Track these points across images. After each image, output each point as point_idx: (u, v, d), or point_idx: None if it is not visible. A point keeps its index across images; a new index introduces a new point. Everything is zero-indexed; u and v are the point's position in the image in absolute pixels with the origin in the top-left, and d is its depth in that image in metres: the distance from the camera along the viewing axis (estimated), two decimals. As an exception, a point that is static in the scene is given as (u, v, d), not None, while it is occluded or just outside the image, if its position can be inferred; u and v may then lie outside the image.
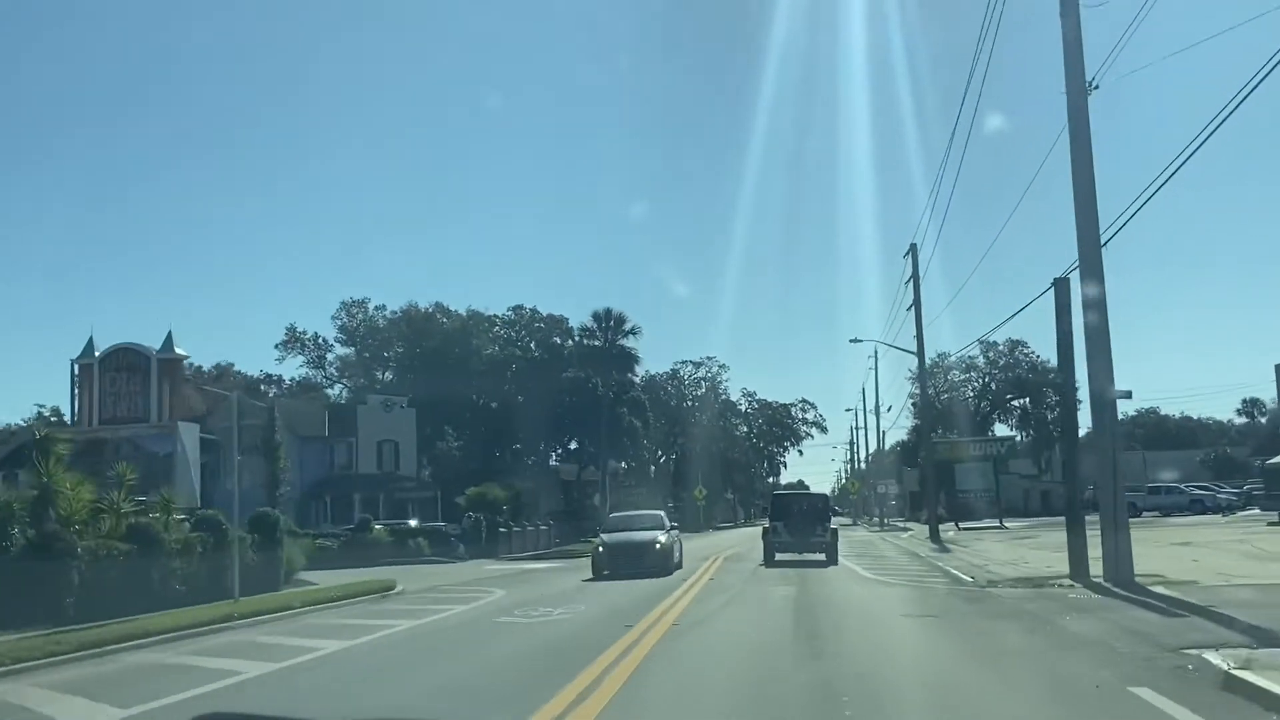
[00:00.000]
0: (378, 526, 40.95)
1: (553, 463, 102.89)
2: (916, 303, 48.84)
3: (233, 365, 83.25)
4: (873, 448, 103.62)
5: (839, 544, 31.26)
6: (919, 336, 48.86)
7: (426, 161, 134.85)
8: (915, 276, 48.89)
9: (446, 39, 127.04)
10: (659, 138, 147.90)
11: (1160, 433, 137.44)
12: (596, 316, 57.37)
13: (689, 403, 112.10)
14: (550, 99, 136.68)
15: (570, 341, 72.98)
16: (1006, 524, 60.99)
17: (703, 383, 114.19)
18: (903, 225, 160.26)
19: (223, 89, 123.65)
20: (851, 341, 52.80)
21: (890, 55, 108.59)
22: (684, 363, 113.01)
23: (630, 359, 57.34)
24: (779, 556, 29.65)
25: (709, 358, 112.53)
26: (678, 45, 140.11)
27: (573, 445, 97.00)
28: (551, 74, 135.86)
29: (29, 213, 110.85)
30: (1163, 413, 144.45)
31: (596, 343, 57.44)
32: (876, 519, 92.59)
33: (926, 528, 63.45)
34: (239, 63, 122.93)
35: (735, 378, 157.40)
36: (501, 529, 44.90)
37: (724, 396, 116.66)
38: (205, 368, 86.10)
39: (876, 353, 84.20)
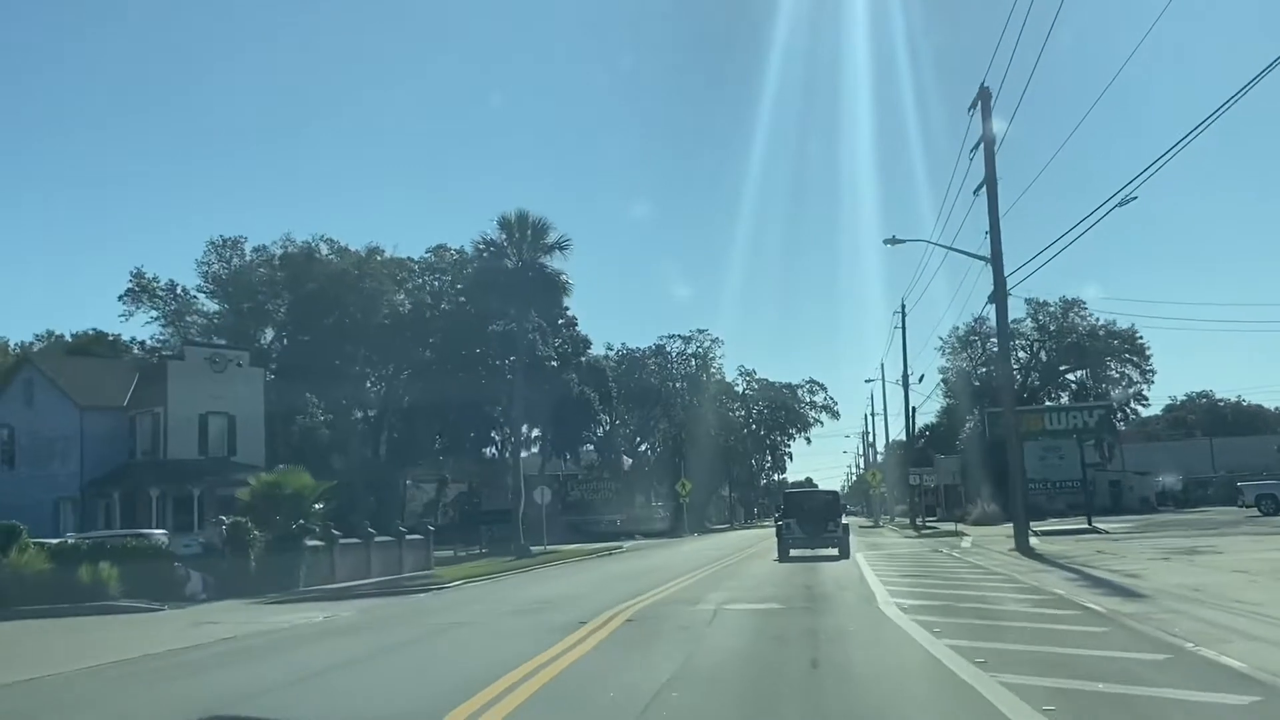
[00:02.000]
0: (57, 544, 23.06)
1: (524, 454, 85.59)
2: (990, 179, 30.88)
3: (109, 335, 65.47)
4: (894, 435, 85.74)
5: (853, 543, 32.19)
6: (994, 230, 30.85)
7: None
8: (987, 140, 31.02)
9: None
10: (657, 129, 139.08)
11: (1214, 418, 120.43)
12: (505, 224, 38.52)
13: (677, 383, 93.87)
14: (533, 59, 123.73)
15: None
16: (1098, 524, 43.08)
17: (693, 359, 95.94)
18: (907, 201, 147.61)
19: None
20: (887, 242, 34.56)
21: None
22: (671, 337, 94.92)
23: (555, 287, 38.76)
24: (793, 552, 29.51)
25: (700, 331, 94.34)
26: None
27: (534, 432, 79.80)
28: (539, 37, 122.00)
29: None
30: (1216, 397, 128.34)
31: (506, 263, 38.80)
32: (907, 518, 74.40)
33: (984, 531, 45.59)
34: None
35: (733, 356, 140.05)
36: (313, 541, 26.90)
37: (718, 376, 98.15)
38: (68, 336, 68.59)
39: (903, 309, 66.35)
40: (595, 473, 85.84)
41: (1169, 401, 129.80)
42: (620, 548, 47.57)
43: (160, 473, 39.22)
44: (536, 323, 55.83)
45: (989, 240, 31.39)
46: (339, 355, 51.38)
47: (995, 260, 30.95)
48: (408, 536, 33.16)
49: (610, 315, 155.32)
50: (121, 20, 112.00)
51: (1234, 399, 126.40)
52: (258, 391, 43.25)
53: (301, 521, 26.46)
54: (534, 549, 47.06)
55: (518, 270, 37.85)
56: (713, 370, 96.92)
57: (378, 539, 30.91)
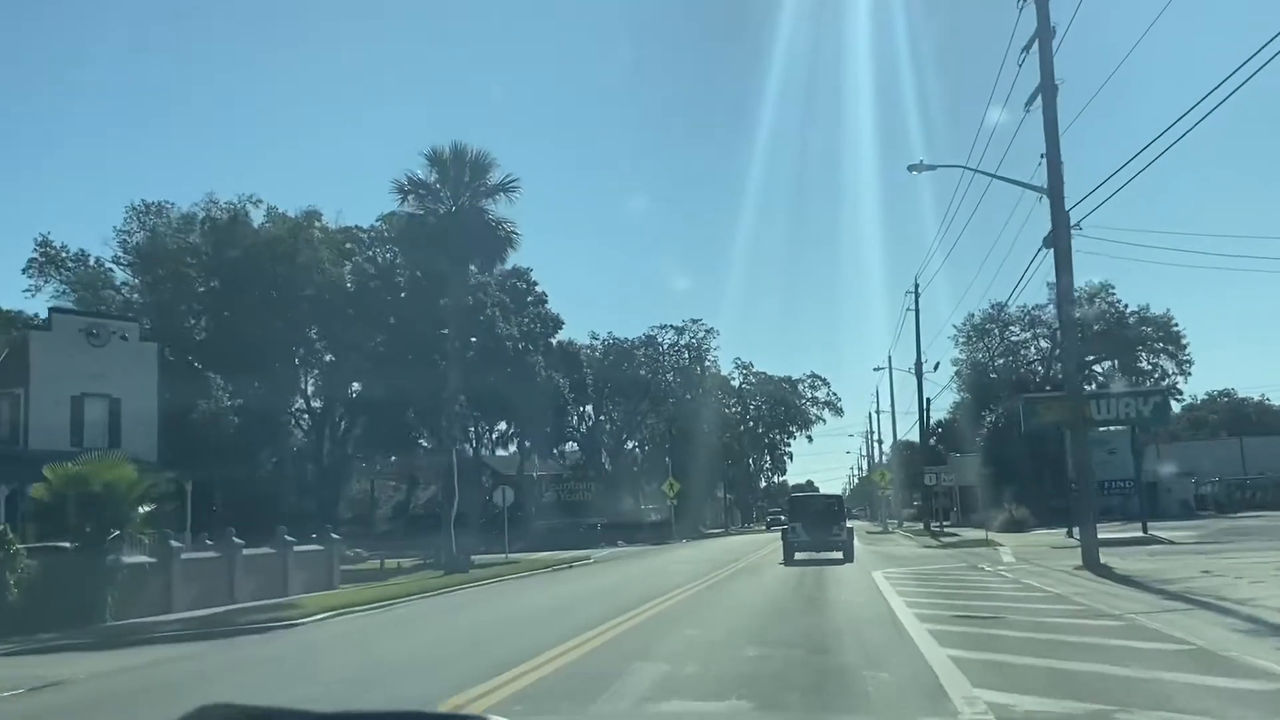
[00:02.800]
0: None
1: (501, 452, 78.35)
2: (1047, 85, 23.70)
3: (9, 312, 58.10)
4: (902, 433, 78.29)
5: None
6: (1051, 151, 23.61)
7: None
8: (1043, 35, 23.88)
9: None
10: (655, 121, 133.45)
11: (1237, 418, 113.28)
12: (436, 160, 30.41)
13: (669, 375, 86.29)
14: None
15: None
16: (1154, 532, 35.99)
17: (686, 351, 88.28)
18: (909, 192, 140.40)
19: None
20: (913, 169, 27.03)
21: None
22: (663, 327, 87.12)
23: (498, 238, 30.92)
24: (798, 555, 29.21)
25: (694, 320, 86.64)
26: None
27: (512, 428, 72.51)
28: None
29: None
30: (1239, 396, 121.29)
31: (438, 207, 31.13)
32: (916, 523, 67.02)
33: (1019, 540, 38.37)
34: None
35: (732, 351, 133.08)
36: (137, 556, 19.70)
37: (713, 369, 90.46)
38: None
39: (916, 288, 59.09)
40: (580, 472, 78.75)
41: (1189, 400, 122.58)
42: (588, 559, 40.35)
43: (16, 467, 31.89)
44: (498, 298, 48.73)
45: (1044, 166, 24.28)
46: (268, 336, 44.11)
47: (1053, 187, 23.75)
48: (297, 548, 25.86)
49: (607, 310, 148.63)
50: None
51: (1257, 398, 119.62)
52: (150, 371, 36.01)
53: (115, 532, 19.19)
54: (485, 559, 39.98)
55: (452, 217, 30.37)
56: (708, 363, 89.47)
57: (247, 551, 23.62)
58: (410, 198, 30.63)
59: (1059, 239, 23.76)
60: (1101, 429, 39.83)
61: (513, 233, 31.16)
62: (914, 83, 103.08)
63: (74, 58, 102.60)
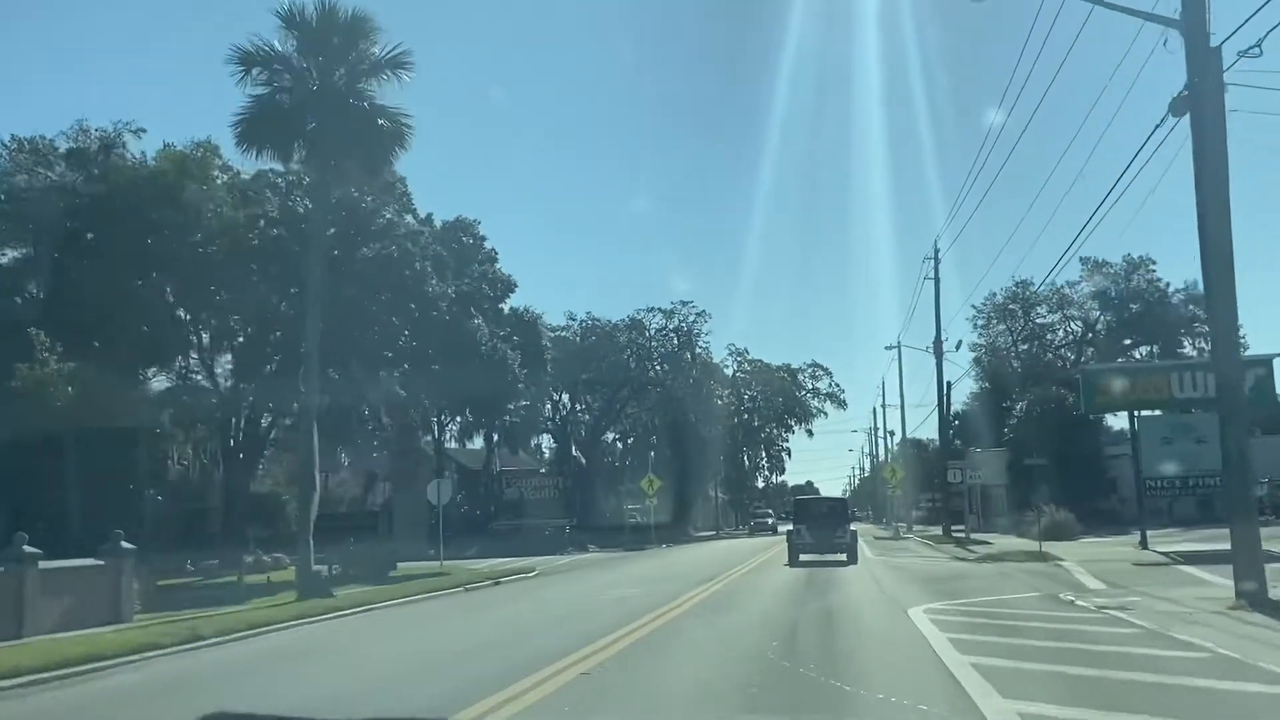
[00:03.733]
0: None
1: (473, 445, 70.02)
2: None
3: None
4: (913, 426, 69.75)
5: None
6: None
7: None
8: None
9: None
10: (653, 114, 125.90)
11: (1268, 415, 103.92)
12: (292, 19, 20.78)
13: (655, 362, 77.66)
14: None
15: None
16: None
17: (674, 336, 79.46)
18: (917, 187, 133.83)
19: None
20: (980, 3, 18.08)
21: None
22: (650, 310, 78.37)
23: (380, 130, 21.59)
24: (802, 557, 29.85)
25: (683, 303, 77.92)
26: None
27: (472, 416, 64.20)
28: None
29: None
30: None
31: (299, 89, 21.83)
32: (926, 526, 58.56)
33: (1081, 551, 29.59)
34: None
35: (727, 340, 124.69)
36: None
37: (704, 357, 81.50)
38: None
39: (936, 254, 50.53)
40: (554, 468, 70.60)
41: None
42: (531, 571, 31.94)
43: None
44: (433, 251, 40.21)
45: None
46: (134, 292, 35.77)
47: (1191, 14, 15.19)
48: (49, 564, 17.28)
49: (606, 309, 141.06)
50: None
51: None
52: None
53: None
54: (415, 566, 31.74)
55: (318, 98, 21.65)
56: (699, 349, 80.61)
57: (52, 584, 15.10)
58: (256, 72, 21.90)
59: (1202, 92, 15.20)
60: (1153, 412, 31.80)
61: (404, 124, 22.46)
62: (921, 77, 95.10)
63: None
